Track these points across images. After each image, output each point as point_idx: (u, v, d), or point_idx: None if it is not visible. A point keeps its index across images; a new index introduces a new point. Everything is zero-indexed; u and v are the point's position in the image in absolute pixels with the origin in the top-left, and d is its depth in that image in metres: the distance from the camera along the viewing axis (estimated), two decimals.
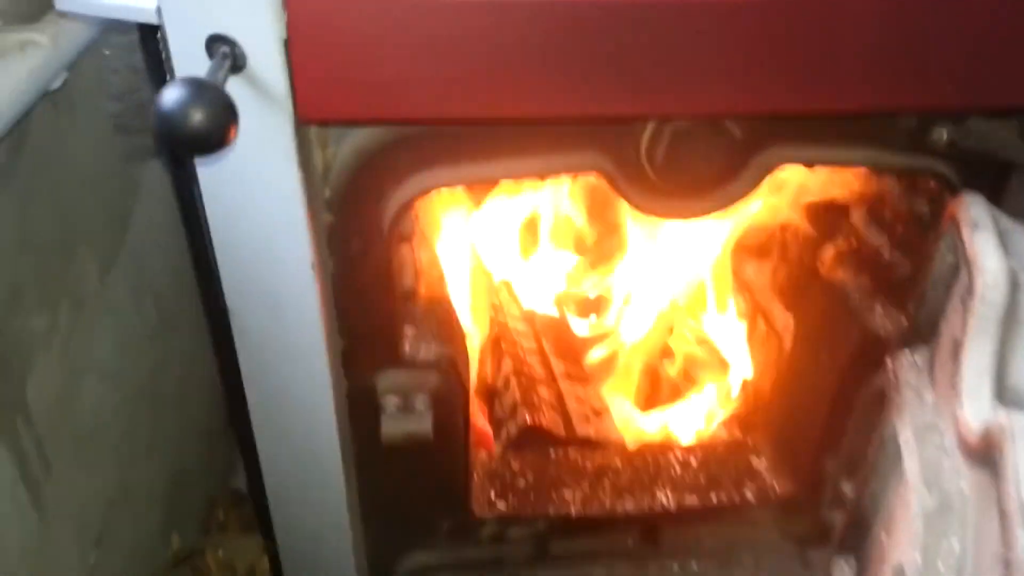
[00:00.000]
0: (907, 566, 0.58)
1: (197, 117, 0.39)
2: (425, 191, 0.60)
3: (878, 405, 0.75)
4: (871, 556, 0.70)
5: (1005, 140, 0.58)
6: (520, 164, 0.60)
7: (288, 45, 0.47)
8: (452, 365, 0.71)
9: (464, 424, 0.75)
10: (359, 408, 0.70)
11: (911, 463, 0.56)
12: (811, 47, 0.51)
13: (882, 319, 0.74)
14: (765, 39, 0.51)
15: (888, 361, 0.68)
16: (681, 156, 0.59)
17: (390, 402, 0.70)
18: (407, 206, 0.61)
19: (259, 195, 0.54)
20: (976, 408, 0.45)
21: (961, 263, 0.58)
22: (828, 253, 0.86)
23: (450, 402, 0.72)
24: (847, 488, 0.82)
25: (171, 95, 0.39)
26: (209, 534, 1.07)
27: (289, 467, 0.71)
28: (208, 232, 0.58)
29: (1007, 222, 0.54)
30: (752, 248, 1.02)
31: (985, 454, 0.45)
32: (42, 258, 0.74)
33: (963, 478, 0.48)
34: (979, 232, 0.52)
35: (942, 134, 0.59)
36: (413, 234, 0.67)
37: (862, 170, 0.76)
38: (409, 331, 0.71)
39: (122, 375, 0.94)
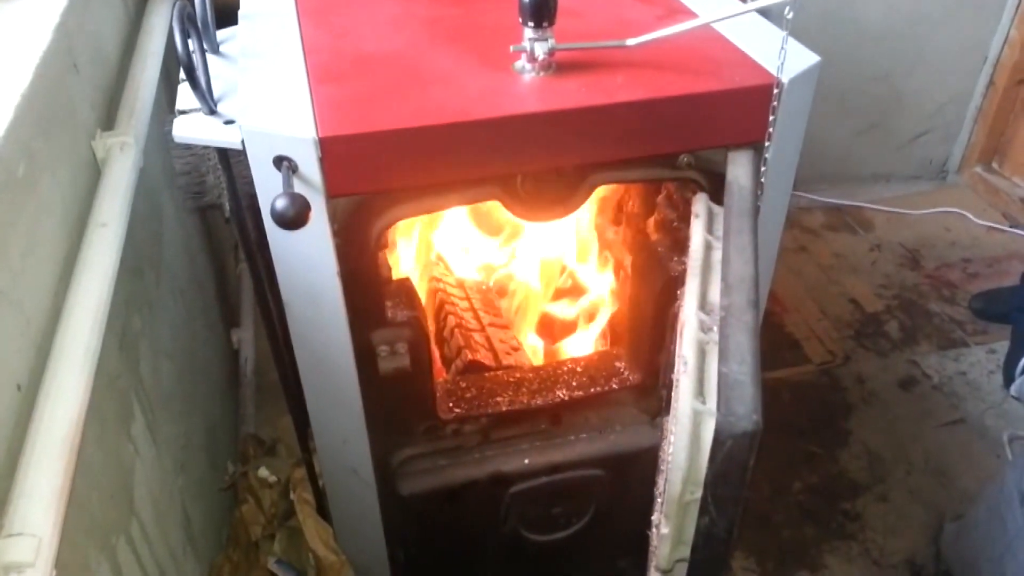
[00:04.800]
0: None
1: (295, 211, 0.80)
2: (395, 220, 1.02)
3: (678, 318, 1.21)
4: None
5: (718, 161, 1.04)
6: (450, 198, 1.02)
7: (322, 160, 0.88)
8: (417, 322, 1.13)
9: (428, 360, 1.18)
10: (364, 355, 1.12)
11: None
12: (604, 128, 0.96)
13: (676, 265, 1.20)
14: (582, 126, 0.95)
15: (679, 292, 1.14)
16: (540, 185, 1.03)
17: (383, 350, 1.12)
18: (383, 230, 1.03)
19: (306, 235, 0.94)
20: (684, 313, 0.90)
21: None
22: (650, 221, 1.31)
23: (419, 346, 1.15)
24: (672, 373, 1.28)
25: (280, 201, 0.80)
26: (247, 463, 1.48)
27: (324, 398, 1.12)
28: (271, 259, 0.98)
29: (715, 208, 1.00)
30: (609, 220, 1.48)
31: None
32: (132, 278, 1.14)
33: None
34: (695, 219, 0.97)
35: (684, 159, 1.04)
36: (387, 244, 1.09)
37: None
38: (389, 303, 1.13)
39: (175, 353, 1.36)
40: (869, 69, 2.61)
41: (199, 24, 0.95)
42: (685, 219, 1.18)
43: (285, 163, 0.88)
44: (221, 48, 1.11)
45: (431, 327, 1.44)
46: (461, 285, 1.51)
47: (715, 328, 0.88)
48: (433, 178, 0.95)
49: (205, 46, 1.00)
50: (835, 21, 2.47)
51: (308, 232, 0.93)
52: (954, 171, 2.90)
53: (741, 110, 0.98)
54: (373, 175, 0.92)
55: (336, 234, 0.99)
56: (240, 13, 1.14)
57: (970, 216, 2.70)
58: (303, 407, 1.14)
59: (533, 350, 1.48)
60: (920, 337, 2.25)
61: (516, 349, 1.41)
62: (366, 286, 1.06)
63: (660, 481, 1.03)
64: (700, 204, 1.00)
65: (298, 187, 0.89)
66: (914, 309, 2.35)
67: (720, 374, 0.73)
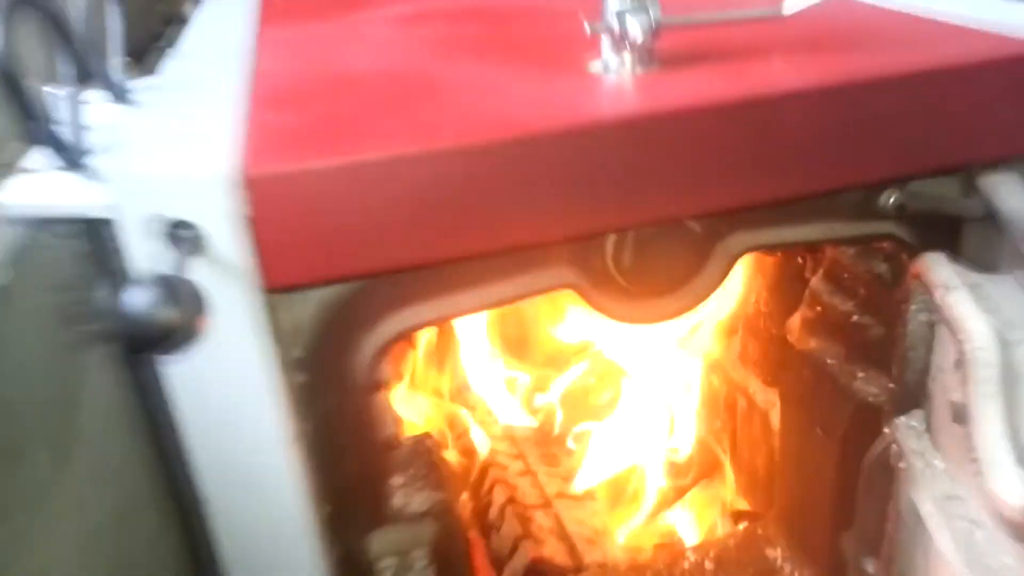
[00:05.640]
0: None
1: (166, 316, 0.36)
2: (398, 336, 0.58)
3: (885, 474, 0.74)
4: None
5: (949, 197, 0.60)
6: (491, 292, 0.59)
7: (252, 223, 0.46)
8: (447, 511, 0.67)
9: (467, 573, 0.70)
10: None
11: (942, 539, 0.54)
12: (759, 145, 0.53)
13: (867, 384, 0.73)
14: (715, 142, 0.52)
15: (885, 428, 0.67)
16: (647, 258, 0.59)
17: (387, 565, 0.65)
18: (381, 353, 0.59)
19: (229, 372, 0.51)
20: (1007, 481, 0.44)
21: (939, 325, 0.58)
22: (794, 322, 0.86)
23: (450, 552, 0.68)
24: (870, 566, 0.79)
25: (137, 297, 0.37)
26: None
27: None
28: (174, 418, 0.54)
29: (973, 276, 0.55)
30: (717, 326, 1.03)
31: None
32: None
33: (1006, 552, 0.47)
34: (953, 293, 0.52)
35: (889, 199, 0.60)
36: (389, 380, 0.65)
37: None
38: (396, 481, 0.67)
39: (86, 572, 0.87)
40: None
41: (60, 20, 0.56)
42: (871, 308, 0.73)
43: (183, 232, 0.46)
44: (135, 96, 0.73)
45: (470, 506, 0.96)
46: (511, 436, 1.05)
47: None
48: (460, 249, 0.52)
49: (83, 75, 0.62)
50: None
51: (234, 362, 0.50)
52: None
53: (1013, 98, 0.55)
54: (352, 246, 0.49)
55: (298, 367, 0.56)
56: (171, 54, 0.76)
57: None
58: None
59: (626, 530, 0.99)
60: None
61: (602, 534, 0.92)
62: (355, 454, 0.62)
63: None
64: (943, 270, 0.55)
65: (209, 277, 0.47)
66: None
67: None
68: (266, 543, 0.59)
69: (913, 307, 0.62)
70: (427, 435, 0.72)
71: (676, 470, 1.05)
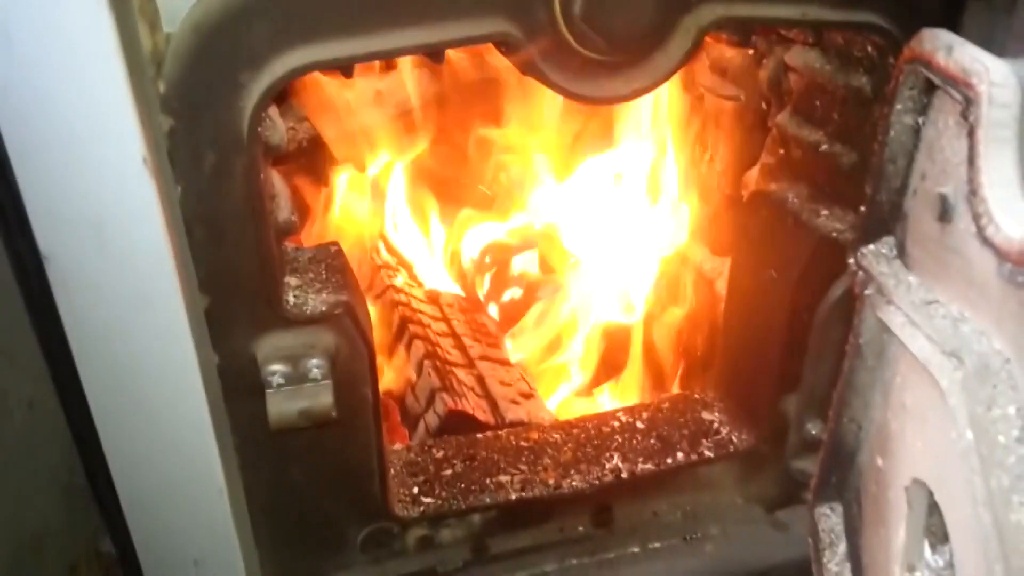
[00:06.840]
0: (928, 474, 0.49)
1: None
2: (290, 75, 0.48)
3: (840, 319, 0.67)
4: (864, 491, 0.61)
5: None
6: (406, 35, 0.48)
7: None
8: (351, 316, 0.57)
9: (374, 395, 0.61)
10: (236, 385, 0.55)
11: (918, 345, 0.47)
12: None
13: (830, 221, 0.66)
14: None
15: (852, 261, 0.60)
16: (602, 13, 0.50)
17: (275, 372, 0.55)
18: (266, 99, 0.48)
19: (65, 95, 0.40)
20: (1013, 220, 0.37)
21: (925, 128, 0.51)
22: (753, 173, 0.78)
23: (353, 365, 0.58)
24: (814, 428, 0.73)
25: None
26: None
27: (151, 478, 0.55)
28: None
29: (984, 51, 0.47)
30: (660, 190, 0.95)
31: None
32: None
33: (999, 335, 0.40)
34: (961, 48, 0.44)
35: None
36: (291, 151, 0.54)
37: (786, 62, 0.71)
38: (292, 280, 0.57)
39: None
40: None
41: None
42: (844, 134, 0.66)
43: None
44: None
45: (385, 362, 0.87)
46: (435, 299, 0.96)
47: None
48: None
49: None
50: None
51: (73, 84, 0.39)
52: None
53: None
54: None
55: (163, 107, 0.45)
56: None
57: None
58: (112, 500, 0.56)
59: (555, 397, 0.91)
60: None
61: (528, 396, 0.84)
62: (236, 233, 0.51)
63: None
64: (947, 35, 0.47)
65: None
66: None
67: None
68: (125, 340, 0.48)
69: (898, 107, 0.54)
70: (332, 242, 0.62)
71: (612, 345, 0.97)
